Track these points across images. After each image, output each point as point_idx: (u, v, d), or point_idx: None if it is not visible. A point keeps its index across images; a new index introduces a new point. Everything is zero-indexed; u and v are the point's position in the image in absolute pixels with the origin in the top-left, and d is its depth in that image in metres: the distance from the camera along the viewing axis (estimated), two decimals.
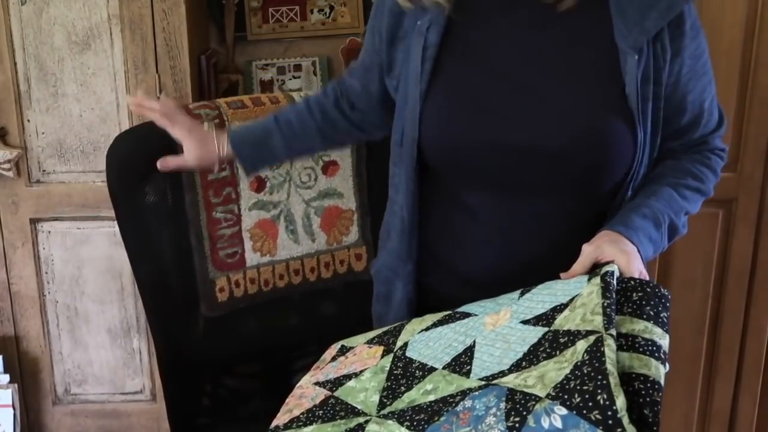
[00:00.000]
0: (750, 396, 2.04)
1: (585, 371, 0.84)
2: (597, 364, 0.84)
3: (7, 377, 2.11)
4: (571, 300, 0.95)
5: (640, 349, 0.90)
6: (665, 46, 1.08)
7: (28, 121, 2.02)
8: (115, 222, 2.07)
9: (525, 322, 0.97)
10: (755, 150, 1.87)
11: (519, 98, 1.09)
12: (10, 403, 2.10)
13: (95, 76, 2.00)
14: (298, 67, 2.34)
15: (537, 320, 0.96)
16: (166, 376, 1.52)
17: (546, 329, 0.94)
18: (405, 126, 1.18)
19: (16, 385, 2.12)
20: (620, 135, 1.07)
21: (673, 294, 1.96)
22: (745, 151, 1.87)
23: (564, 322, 0.92)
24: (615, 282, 0.94)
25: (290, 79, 2.34)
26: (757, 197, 1.90)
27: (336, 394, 1.02)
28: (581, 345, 0.87)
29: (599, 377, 0.82)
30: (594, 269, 1.00)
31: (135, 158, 1.44)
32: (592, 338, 0.87)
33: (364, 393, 1.00)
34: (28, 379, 2.21)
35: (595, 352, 0.85)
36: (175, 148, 1.42)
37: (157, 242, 1.34)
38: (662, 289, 0.96)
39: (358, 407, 0.98)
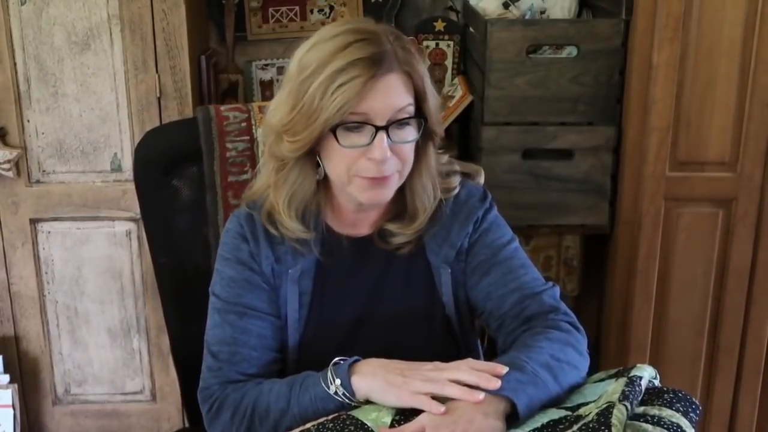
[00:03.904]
0: (750, 396, 2.04)
1: (591, 426, 0.90)
2: (603, 419, 0.90)
3: (7, 377, 2.11)
4: (599, 397, 1.01)
5: (665, 426, 0.95)
6: (464, 248, 1.24)
7: (28, 121, 2.02)
8: (115, 222, 2.09)
9: (550, 405, 1.02)
10: (755, 150, 1.87)
11: (378, 329, 1.24)
12: (10, 403, 2.10)
13: (95, 76, 2.00)
14: None
15: (562, 407, 1.01)
16: (182, 371, 1.54)
17: (569, 413, 0.99)
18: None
19: (16, 385, 2.12)
20: (439, 339, 1.25)
21: (673, 294, 1.98)
22: (745, 151, 1.87)
23: (587, 410, 0.98)
24: (643, 383, 1.00)
25: None
26: (757, 197, 1.90)
27: (350, 413, 1.04)
28: (593, 411, 0.93)
29: (602, 428, 0.89)
30: (622, 374, 1.06)
31: (163, 153, 1.47)
32: (604, 406, 0.93)
33: (377, 413, 1.02)
34: (28, 379, 2.21)
35: (604, 412, 0.91)
36: (199, 145, 1.45)
37: (178, 236, 1.35)
38: (694, 399, 1.01)
39: (369, 424, 1.00)
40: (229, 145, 1.46)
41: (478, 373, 0.99)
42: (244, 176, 1.47)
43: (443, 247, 1.24)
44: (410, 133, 1.13)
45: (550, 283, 1.22)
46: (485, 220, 1.26)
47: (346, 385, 1.05)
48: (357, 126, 1.09)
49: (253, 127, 1.49)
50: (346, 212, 1.23)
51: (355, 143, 1.10)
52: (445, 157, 1.28)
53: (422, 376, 1.02)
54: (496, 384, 0.97)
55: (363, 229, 1.25)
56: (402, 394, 1.01)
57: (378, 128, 1.09)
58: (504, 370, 1.00)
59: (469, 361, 1.04)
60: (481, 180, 1.34)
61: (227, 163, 1.46)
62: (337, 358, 1.09)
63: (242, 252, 1.21)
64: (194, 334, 1.29)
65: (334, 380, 1.05)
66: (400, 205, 1.23)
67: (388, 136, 1.10)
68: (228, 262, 1.22)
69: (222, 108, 1.51)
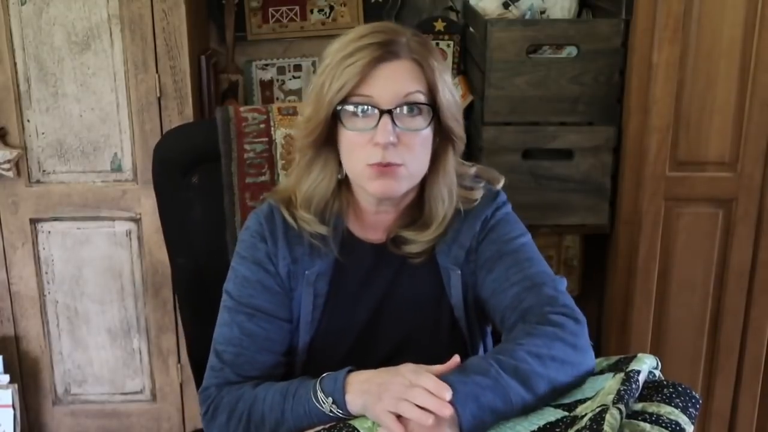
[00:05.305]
0: (750, 396, 2.04)
1: None
2: (595, 426, 0.90)
3: (7, 377, 2.11)
4: (596, 394, 1.00)
5: (663, 425, 0.94)
6: (473, 247, 1.23)
7: (28, 121, 2.02)
8: (115, 222, 2.09)
9: (547, 404, 1.02)
10: (755, 150, 1.87)
11: (386, 332, 1.24)
12: (10, 403, 2.10)
13: (95, 76, 2.00)
14: (298, 67, 2.34)
15: (559, 405, 1.01)
16: (198, 371, 1.53)
17: (566, 413, 0.99)
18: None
19: (16, 385, 2.12)
20: (446, 341, 1.24)
21: (673, 294, 1.98)
22: (745, 151, 1.87)
23: (583, 409, 0.97)
24: (640, 378, 1.00)
25: (290, 79, 2.35)
26: (757, 197, 1.90)
27: (348, 421, 1.04)
28: (588, 416, 0.93)
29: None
30: (621, 366, 1.06)
31: (182, 154, 1.47)
32: (598, 410, 0.92)
33: (372, 422, 1.02)
34: (28, 379, 2.21)
35: (597, 417, 0.91)
36: (218, 146, 1.45)
37: (195, 237, 1.35)
38: (694, 392, 1.01)
39: None
40: (247, 147, 1.46)
41: (433, 399, 0.94)
42: (262, 178, 1.47)
43: (452, 248, 1.22)
44: (419, 123, 1.13)
45: (557, 276, 1.19)
46: (494, 218, 1.24)
47: (341, 403, 1.03)
48: (363, 110, 1.11)
49: (272, 128, 1.48)
50: (366, 214, 1.23)
51: (361, 127, 1.12)
52: (473, 170, 1.28)
53: (392, 393, 0.98)
54: (449, 412, 0.93)
55: (380, 234, 1.24)
56: (378, 414, 0.99)
57: (382, 112, 1.10)
58: (449, 395, 0.94)
59: (428, 376, 0.98)
60: (499, 187, 1.32)
61: (245, 165, 1.46)
62: (324, 374, 1.08)
63: (259, 252, 1.21)
64: (211, 335, 1.29)
65: (326, 400, 1.04)
66: (416, 213, 1.23)
67: (394, 122, 1.10)
68: (244, 260, 1.22)
69: (241, 109, 1.51)
